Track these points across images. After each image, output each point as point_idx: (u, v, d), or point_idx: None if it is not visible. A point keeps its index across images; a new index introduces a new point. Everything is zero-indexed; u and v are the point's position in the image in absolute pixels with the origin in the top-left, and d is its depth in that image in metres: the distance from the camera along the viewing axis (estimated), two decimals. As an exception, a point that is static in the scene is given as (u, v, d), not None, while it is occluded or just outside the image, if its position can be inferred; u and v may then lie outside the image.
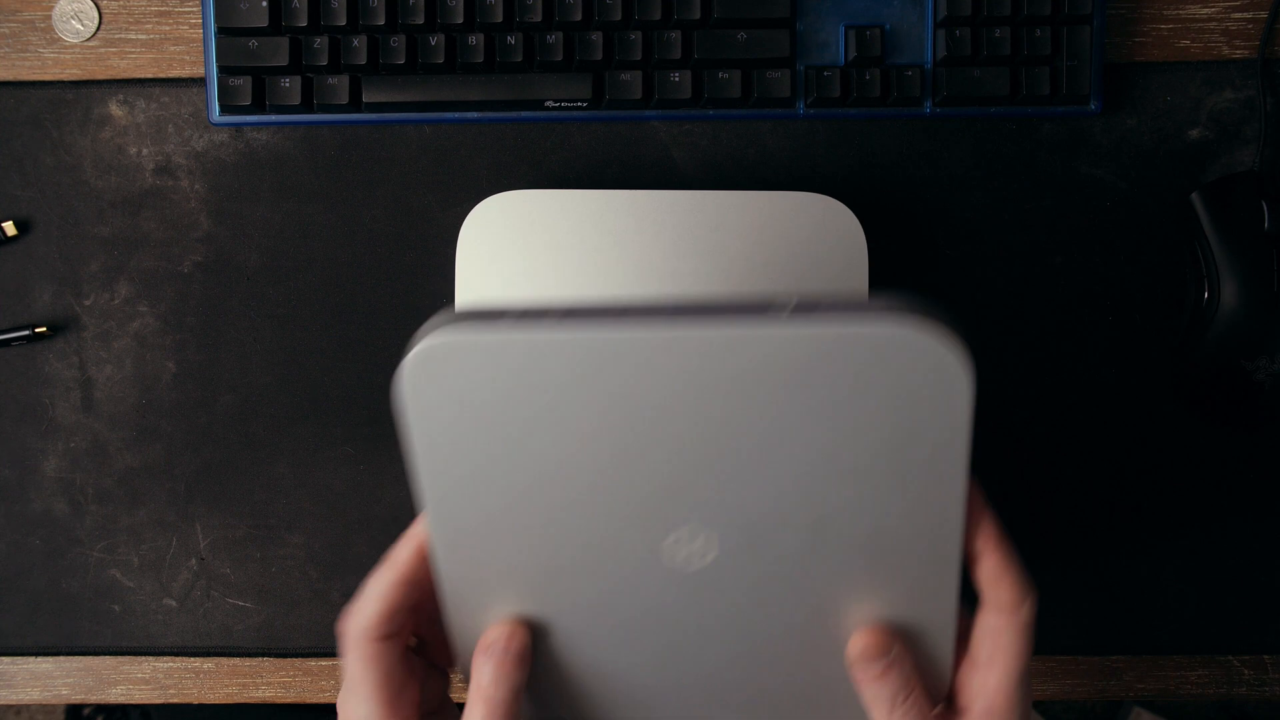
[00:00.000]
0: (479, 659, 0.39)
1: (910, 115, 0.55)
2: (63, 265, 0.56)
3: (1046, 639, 0.56)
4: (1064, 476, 0.56)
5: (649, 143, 0.56)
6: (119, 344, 0.56)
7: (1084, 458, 0.56)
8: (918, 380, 0.35)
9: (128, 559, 0.56)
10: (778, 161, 0.56)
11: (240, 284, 0.56)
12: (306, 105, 0.54)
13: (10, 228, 0.56)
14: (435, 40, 0.53)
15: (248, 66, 0.54)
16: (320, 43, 0.53)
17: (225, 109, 0.55)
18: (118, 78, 0.56)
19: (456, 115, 0.55)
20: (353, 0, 0.53)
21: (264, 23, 0.53)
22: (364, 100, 0.54)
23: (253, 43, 0.53)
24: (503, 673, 0.39)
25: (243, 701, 0.57)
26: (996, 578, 0.37)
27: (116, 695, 0.57)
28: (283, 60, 0.53)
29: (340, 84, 0.54)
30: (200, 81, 0.56)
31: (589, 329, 0.34)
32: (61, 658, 0.57)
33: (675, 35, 0.53)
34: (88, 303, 0.56)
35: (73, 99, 0.56)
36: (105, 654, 0.57)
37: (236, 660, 0.57)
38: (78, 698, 0.57)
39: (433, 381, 0.35)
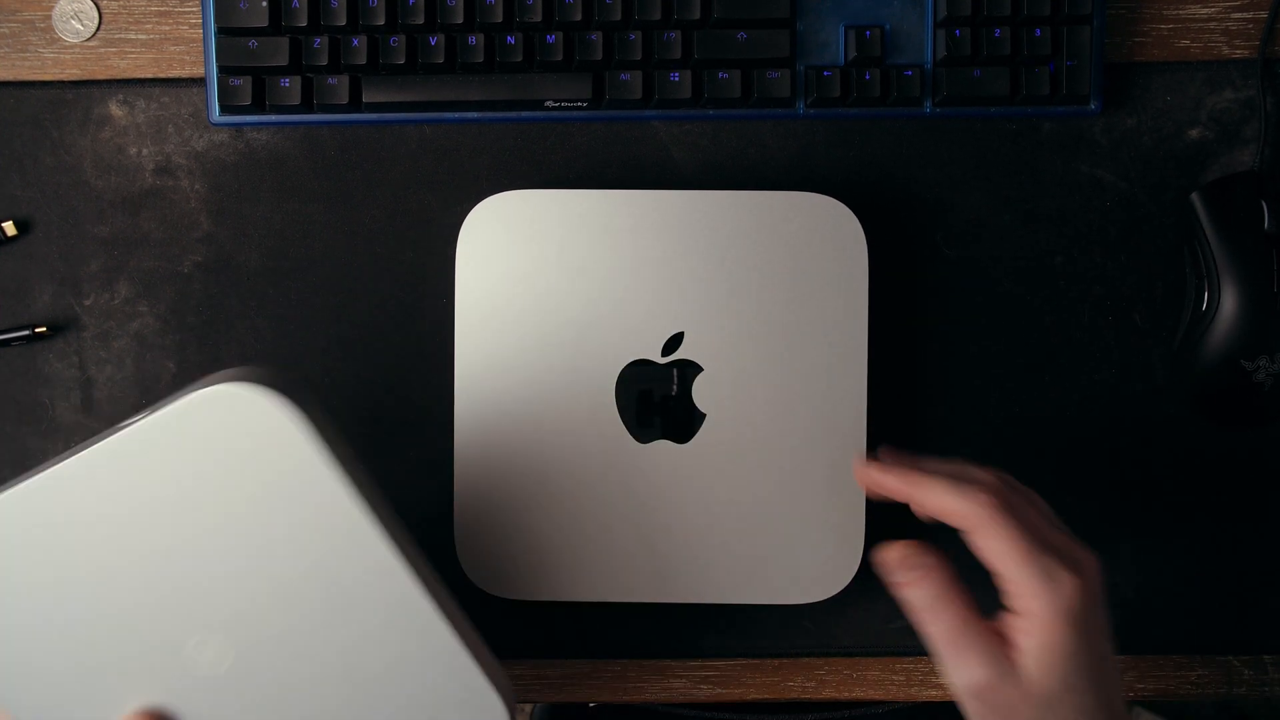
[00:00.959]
0: None
1: (910, 115, 0.55)
2: (63, 265, 0.56)
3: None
4: (1064, 476, 0.56)
5: (649, 143, 0.56)
6: (119, 344, 0.56)
7: (1084, 457, 0.56)
8: (245, 429, 0.40)
9: (128, 559, 0.56)
10: (778, 161, 0.56)
11: (240, 284, 0.56)
12: (306, 105, 0.54)
13: (10, 228, 0.56)
14: (435, 40, 0.53)
15: (248, 66, 0.54)
16: (320, 43, 0.53)
17: (225, 109, 0.55)
18: (118, 78, 0.56)
19: (456, 115, 0.55)
20: (353, 0, 0.53)
21: (264, 23, 0.53)
22: (364, 100, 0.54)
23: (253, 43, 0.53)
24: None
25: (243, 701, 0.57)
26: (937, 510, 0.44)
27: (116, 695, 0.57)
28: (283, 60, 0.53)
29: (340, 84, 0.54)
30: (200, 81, 0.56)
31: None
32: (61, 658, 0.57)
33: (675, 35, 0.53)
34: (88, 303, 0.56)
35: (73, 99, 0.56)
36: (105, 654, 0.57)
37: (236, 660, 0.57)
38: (78, 698, 0.57)
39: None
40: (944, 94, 0.54)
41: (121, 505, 0.41)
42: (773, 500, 0.52)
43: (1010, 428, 0.56)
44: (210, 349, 0.56)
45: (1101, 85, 0.55)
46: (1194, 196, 0.55)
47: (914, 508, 0.46)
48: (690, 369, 0.53)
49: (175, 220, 0.56)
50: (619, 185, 0.56)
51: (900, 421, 0.56)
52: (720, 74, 0.54)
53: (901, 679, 0.57)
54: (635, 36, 0.53)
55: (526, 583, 0.53)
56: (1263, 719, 1.22)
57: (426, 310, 0.56)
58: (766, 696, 0.57)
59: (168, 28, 0.56)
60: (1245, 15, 0.56)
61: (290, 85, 0.54)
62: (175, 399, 0.40)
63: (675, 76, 0.54)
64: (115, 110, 0.56)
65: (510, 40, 0.53)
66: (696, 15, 0.53)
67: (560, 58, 0.54)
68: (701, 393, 0.53)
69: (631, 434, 0.52)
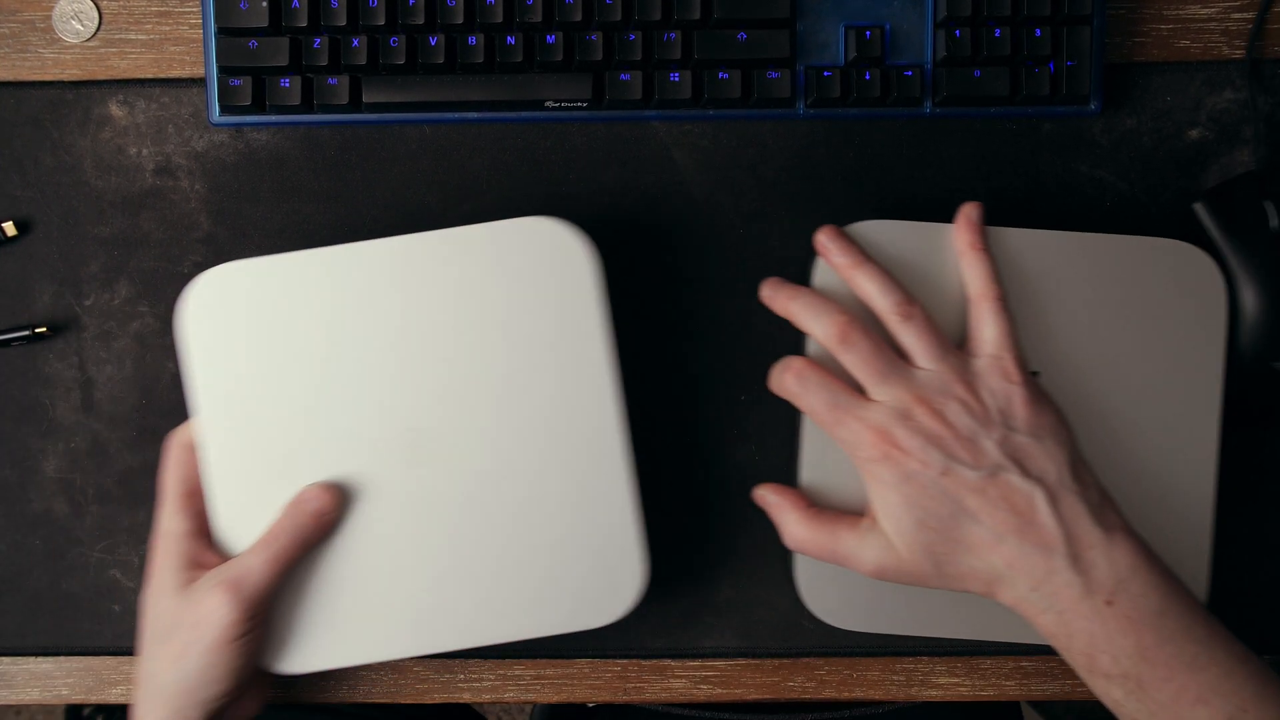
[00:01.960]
0: (284, 509, 0.49)
1: (910, 115, 0.55)
2: (63, 265, 0.56)
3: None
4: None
5: (649, 143, 0.56)
6: (119, 344, 0.56)
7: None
8: (552, 255, 0.50)
9: (128, 559, 0.56)
10: (778, 161, 0.56)
11: (240, 284, 0.56)
12: (306, 105, 0.54)
13: (10, 228, 0.56)
14: (435, 40, 0.53)
15: (248, 67, 0.54)
16: (320, 43, 0.53)
17: (225, 109, 0.55)
18: (118, 78, 0.56)
19: (456, 115, 0.55)
20: (353, 0, 0.53)
21: (264, 23, 0.53)
22: (364, 100, 0.54)
23: (253, 43, 0.53)
24: (295, 522, 0.49)
25: (243, 701, 0.57)
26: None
27: (116, 695, 0.57)
28: (283, 60, 0.53)
29: (340, 84, 0.54)
30: (200, 82, 0.56)
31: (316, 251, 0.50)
32: (61, 658, 0.57)
33: (675, 35, 0.53)
34: (88, 303, 0.56)
35: (73, 99, 0.56)
36: (105, 654, 0.57)
37: (236, 660, 0.57)
38: (78, 698, 0.57)
39: (209, 309, 0.50)
40: (944, 94, 0.54)
41: (411, 293, 0.50)
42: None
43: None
44: (210, 349, 0.56)
45: (1101, 85, 0.55)
46: (1197, 206, 0.54)
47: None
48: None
49: (175, 220, 0.56)
50: (619, 187, 0.56)
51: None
52: (720, 74, 0.54)
53: (901, 679, 0.57)
54: (635, 36, 0.53)
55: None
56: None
57: (426, 310, 0.56)
58: (766, 696, 0.57)
59: (168, 28, 0.56)
60: (1245, 15, 0.56)
61: (290, 85, 0.54)
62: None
63: (675, 76, 0.54)
64: (115, 110, 0.56)
65: (510, 40, 0.53)
66: (696, 15, 0.53)
67: (560, 58, 0.54)
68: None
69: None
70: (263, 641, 0.49)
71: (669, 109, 0.55)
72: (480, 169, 0.56)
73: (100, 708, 1.16)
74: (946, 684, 0.57)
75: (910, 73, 0.54)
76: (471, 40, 0.53)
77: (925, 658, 0.57)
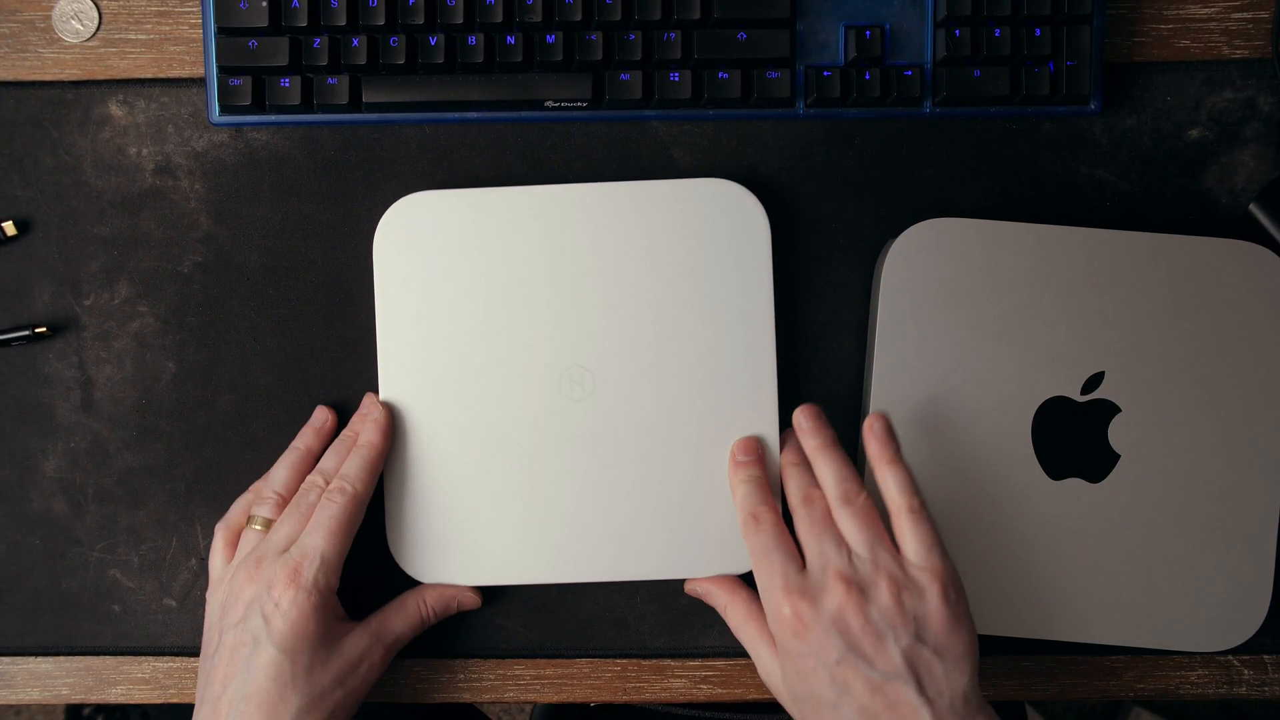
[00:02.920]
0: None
1: (910, 115, 0.55)
2: (63, 265, 0.56)
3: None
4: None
5: (649, 143, 0.56)
6: (119, 344, 0.56)
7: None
8: (731, 216, 0.53)
9: (128, 559, 0.56)
10: (778, 162, 0.56)
11: (240, 284, 0.56)
12: (306, 105, 0.54)
13: (10, 228, 0.56)
14: (435, 40, 0.53)
15: (248, 67, 0.54)
16: (320, 43, 0.53)
17: (225, 109, 0.55)
18: (118, 78, 0.56)
19: (456, 115, 0.55)
20: (353, 0, 0.53)
21: (264, 23, 0.53)
22: (364, 100, 0.54)
23: (253, 43, 0.53)
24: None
25: (243, 701, 0.57)
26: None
27: (116, 695, 0.57)
28: (283, 60, 0.53)
29: (340, 84, 0.54)
30: (200, 82, 0.56)
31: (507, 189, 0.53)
32: (61, 658, 0.57)
33: (675, 35, 0.53)
34: (88, 303, 0.56)
35: (73, 99, 0.56)
36: (105, 654, 0.57)
37: (236, 660, 0.57)
38: (78, 698, 0.57)
39: (400, 232, 0.53)
40: (944, 94, 0.54)
41: (594, 237, 0.53)
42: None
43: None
44: (210, 349, 0.56)
45: (1101, 85, 0.55)
46: (1253, 207, 0.54)
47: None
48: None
49: (175, 220, 0.56)
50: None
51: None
52: (720, 74, 0.54)
53: (901, 679, 0.57)
54: (635, 36, 0.53)
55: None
56: (1263, 719, 1.22)
57: (426, 310, 0.56)
58: (766, 696, 0.57)
59: (168, 28, 0.56)
60: (1245, 15, 0.56)
61: (290, 85, 0.54)
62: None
63: (675, 76, 0.54)
64: (115, 110, 0.56)
65: (510, 40, 0.53)
66: (696, 15, 0.53)
67: (560, 58, 0.54)
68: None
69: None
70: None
71: (669, 109, 0.55)
72: (480, 169, 0.56)
73: (100, 708, 1.16)
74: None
75: (910, 73, 0.54)
76: (471, 40, 0.53)
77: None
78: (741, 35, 0.54)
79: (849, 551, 0.47)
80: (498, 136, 0.56)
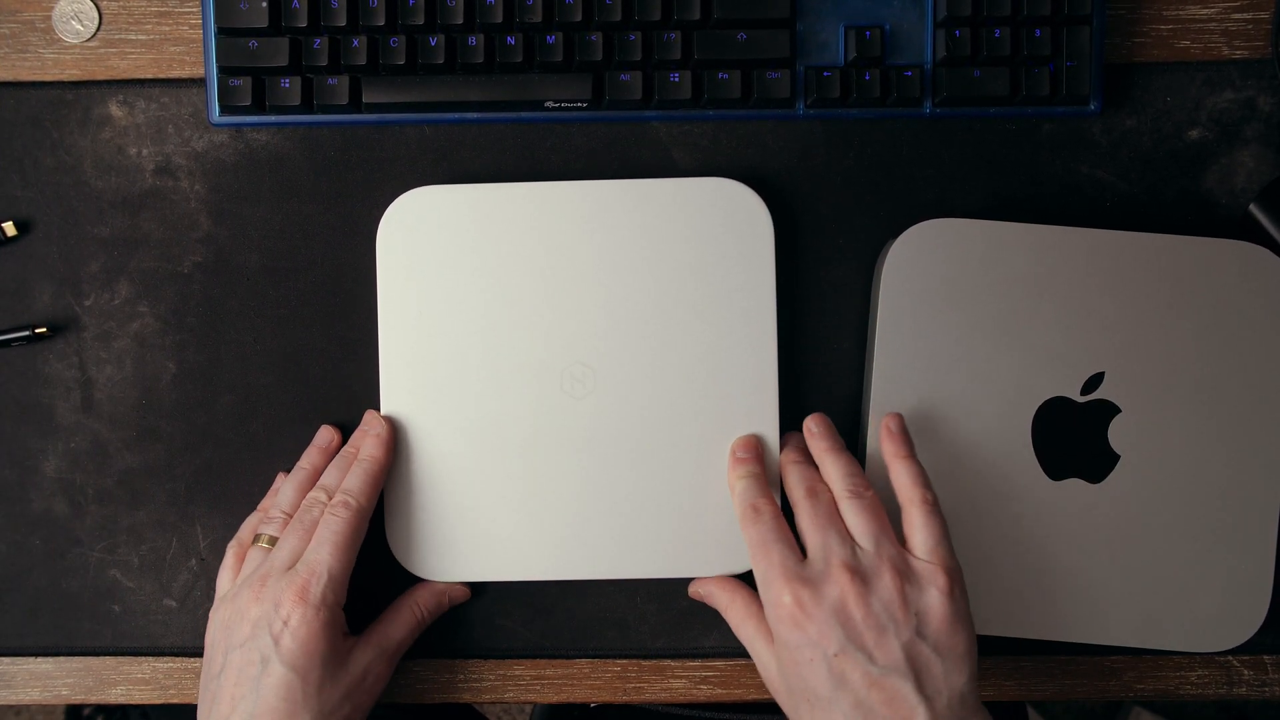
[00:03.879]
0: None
1: (910, 115, 0.55)
2: (63, 265, 0.56)
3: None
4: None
5: (649, 143, 0.56)
6: (119, 344, 0.56)
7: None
8: (734, 215, 0.53)
9: (128, 559, 0.56)
10: (778, 162, 0.56)
11: (240, 284, 0.56)
12: (306, 106, 0.54)
13: (10, 228, 0.56)
14: (435, 40, 0.53)
15: (248, 67, 0.54)
16: (320, 43, 0.53)
17: (225, 109, 0.55)
18: (118, 78, 0.56)
19: (456, 115, 0.55)
20: (353, 1, 0.53)
21: (264, 23, 0.53)
22: (364, 100, 0.54)
23: (253, 43, 0.53)
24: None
25: (243, 701, 0.57)
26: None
27: (116, 695, 0.57)
28: (283, 61, 0.53)
29: (340, 84, 0.54)
30: (200, 82, 0.56)
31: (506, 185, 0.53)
32: (61, 658, 0.57)
33: (675, 35, 0.53)
34: (88, 303, 0.56)
35: (73, 99, 0.56)
36: (105, 654, 0.57)
37: (236, 660, 0.57)
38: (78, 698, 0.57)
39: (403, 227, 0.53)
40: (944, 94, 0.54)
41: (596, 233, 0.53)
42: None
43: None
44: (210, 349, 0.56)
45: (1101, 85, 0.55)
46: (1253, 208, 0.54)
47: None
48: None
49: (175, 220, 0.56)
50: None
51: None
52: (720, 74, 0.54)
53: (901, 679, 0.57)
54: (635, 36, 0.53)
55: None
56: (1263, 719, 1.22)
57: (426, 310, 0.56)
58: (766, 697, 0.57)
59: (168, 28, 0.56)
60: (1245, 16, 0.56)
61: (290, 86, 0.54)
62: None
63: (675, 77, 0.54)
64: (115, 110, 0.56)
65: (510, 40, 0.53)
66: (696, 15, 0.53)
67: (560, 58, 0.54)
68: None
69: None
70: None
71: (669, 109, 0.55)
72: (480, 169, 0.56)
73: (100, 708, 1.16)
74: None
75: (910, 73, 0.54)
76: (471, 40, 0.53)
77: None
78: (741, 35, 0.54)
79: (853, 543, 0.47)
80: (498, 137, 0.56)
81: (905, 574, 0.46)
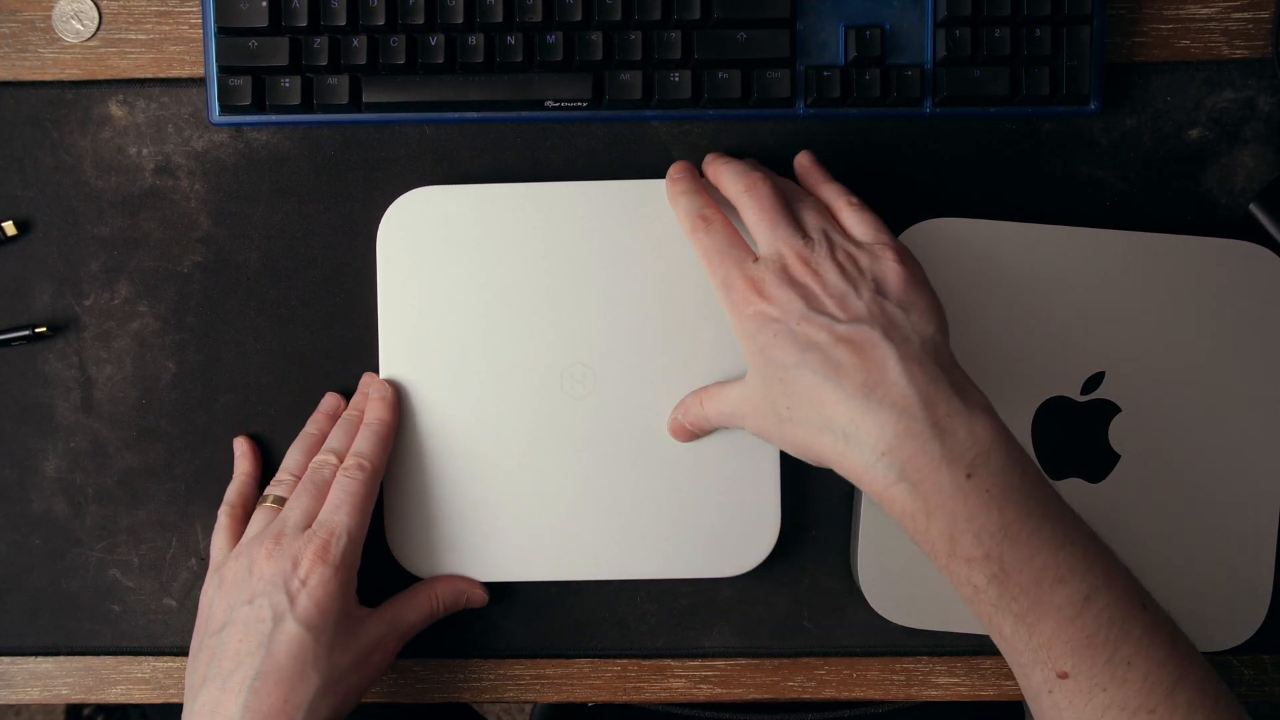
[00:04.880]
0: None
1: (910, 115, 0.55)
2: (63, 265, 0.56)
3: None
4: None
5: (649, 143, 0.56)
6: (119, 344, 0.56)
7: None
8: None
9: (128, 559, 0.56)
10: (778, 162, 0.56)
11: (240, 284, 0.56)
12: (306, 105, 0.54)
13: (10, 228, 0.56)
14: (435, 40, 0.53)
15: (248, 66, 0.54)
16: (320, 43, 0.53)
17: (225, 109, 0.55)
18: (118, 78, 0.56)
19: (456, 115, 0.55)
20: (353, 0, 0.53)
21: (264, 23, 0.53)
22: (364, 100, 0.54)
23: (253, 43, 0.53)
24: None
25: (243, 701, 0.57)
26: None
27: (116, 695, 0.57)
28: (283, 60, 0.53)
29: (340, 84, 0.54)
30: (200, 81, 0.56)
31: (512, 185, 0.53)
32: (61, 658, 0.57)
33: (675, 35, 0.53)
34: (88, 303, 0.56)
35: (73, 99, 0.56)
36: (105, 654, 0.57)
37: (236, 660, 0.57)
38: (78, 698, 0.57)
39: (404, 227, 0.53)
40: (944, 94, 0.54)
41: (596, 234, 0.52)
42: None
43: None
44: (210, 349, 0.56)
45: (1101, 85, 0.55)
46: (1253, 207, 0.54)
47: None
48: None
49: (175, 220, 0.56)
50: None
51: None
52: (720, 74, 0.54)
53: (901, 679, 0.57)
54: (635, 36, 0.53)
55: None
56: (1263, 719, 1.21)
57: (426, 310, 0.56)
58: (766, 696, 0.57)
59: (168, 28, 0.56)
60: (1245, 15, 0.56)
61: (290, 85, 0.54)
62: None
63: (675, 76, 0.54)
64: (115, 110, 0.56)
65: (510, 40, 0.53)
66: (696, 15, 0.53)
67: (560, 58, 0.54)
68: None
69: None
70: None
71: (669, 109, 0.55)
72: (480, 169, 0.56)
73: (100, 708, 1.16)
74: (946, 684, 0.57)
75: (910, 72, 0.54)
76: (471, 40, 0.53)
77: (925, 658, 0.57)
78: (741, 35, 0.54)
79: (802, 233, 0.47)
80: (498, 136, 0.56)
81: (855, 252, 0.47)
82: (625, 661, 0.57)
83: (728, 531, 0.53)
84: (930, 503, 0.42)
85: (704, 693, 0.57)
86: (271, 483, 0.53)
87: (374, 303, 0.55)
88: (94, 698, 0.57)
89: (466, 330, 0.53)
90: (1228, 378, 0.52)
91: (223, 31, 0.54)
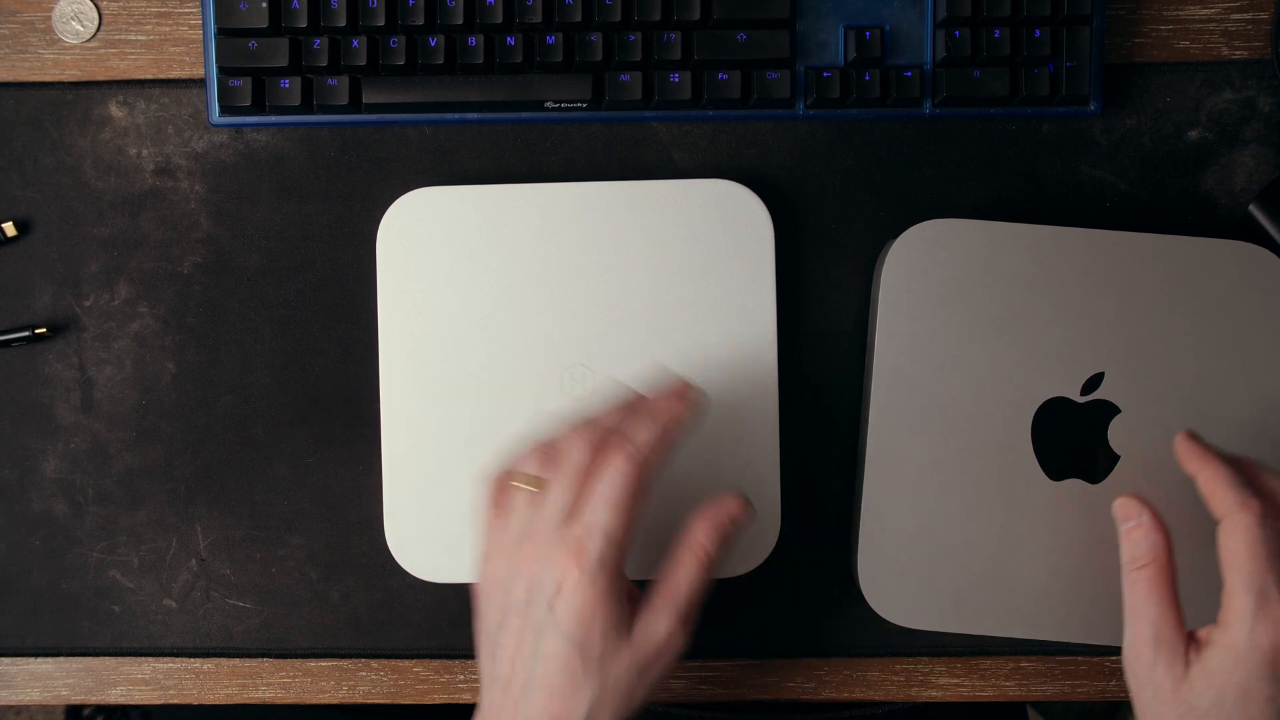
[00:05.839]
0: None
1: (910, 116, 0.55)
2: (63, 265, 0.56)
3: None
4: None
5: (649, 143, 0.56)
6: (119, 345, 0.56)
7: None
8: (734, 216, 0.53)
9: (128, 559, 0.56)
10: (778, 162, 0.56)
11: (240, 284, 0.56)
12: (306, 106, 0.54)
13: (10, 228, 0.56)
14: (435, 41, 0.53)
15: (247, 67, 0.54)
16: (320, 44, 0.53)
17: (225, 110, 0.55)
18: (117, 78, 0.56)
19: (456, 116, 0.55)
20: (353, 1, 0.53)
21: (264, 24, 0.53)
22: (364, 101, 0.54)
23: (252, 44, 0.53)
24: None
25: (242, 702, 0.57)
26: (1208, 494, 0.46)
27: (116, 695, 0.57)
28: (282, 61, 0.53)
29: (340, 85, 0.54)
30: (200, 82, 0.56)
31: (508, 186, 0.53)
32: (61, 658, 0.57)
33: (675, 36, 0.53)
34: (88, 303, 0.56)
35: (73, 100, 0.56)
36: (105, 654, 0.57)
37: (236, 661, 0.57)
38: (78, 698, 0.57)
39: (403, 228, 0.53)
40: (944, 95, 0.54)
41: (596, 234, 0.53)
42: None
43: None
44: (210, 349, 0.56)
45: (1101, 86, 0.55)
46: (1252, 208, 0.54)
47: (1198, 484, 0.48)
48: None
49: (175, 221, 0.56)
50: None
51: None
52: (720, 75, 0.54)
53: (901, 679, 0.57)
54: (635, 37, 0.53)
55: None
56: None
57: (426, 311, 0.56)
58: (766, 696, 0.57)
59: (168, 28, 0.56)
60: (1245, 16, 0.56)
61: (290, 86, 0.54)
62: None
63: (675, 77, 0.54)
64: (115, 111, 0.56)
65: (510, 41, 0.53)
66: (696, 16, 0.53)
67: (560, 58, 0.54)
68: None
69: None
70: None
71: (669, 109, 0.55)
72: (480, 170, 0.56)
73: (100, 708, 1.16)
74: (946, 684, 0.57)
75: (910, 73, 0.54)
76: (471, 41, 0.53)
77: (925, 658, 0.57)
78: (741, 36, 0.54)
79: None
80: (498, 137, 0.56)
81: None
82: (625, 662, 0.57)
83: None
84: None
85: (704, 693, 0.57)
86: (522, 455, 0.47)
87: (374, 303, 0.55)
88: (94, 698, 0.57)
89: (466, 330, 0.53)
90: (1228, 378, 0.52)
91: (222, 32, 0.54)
